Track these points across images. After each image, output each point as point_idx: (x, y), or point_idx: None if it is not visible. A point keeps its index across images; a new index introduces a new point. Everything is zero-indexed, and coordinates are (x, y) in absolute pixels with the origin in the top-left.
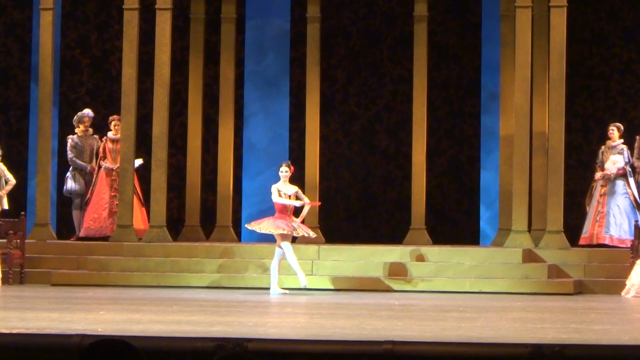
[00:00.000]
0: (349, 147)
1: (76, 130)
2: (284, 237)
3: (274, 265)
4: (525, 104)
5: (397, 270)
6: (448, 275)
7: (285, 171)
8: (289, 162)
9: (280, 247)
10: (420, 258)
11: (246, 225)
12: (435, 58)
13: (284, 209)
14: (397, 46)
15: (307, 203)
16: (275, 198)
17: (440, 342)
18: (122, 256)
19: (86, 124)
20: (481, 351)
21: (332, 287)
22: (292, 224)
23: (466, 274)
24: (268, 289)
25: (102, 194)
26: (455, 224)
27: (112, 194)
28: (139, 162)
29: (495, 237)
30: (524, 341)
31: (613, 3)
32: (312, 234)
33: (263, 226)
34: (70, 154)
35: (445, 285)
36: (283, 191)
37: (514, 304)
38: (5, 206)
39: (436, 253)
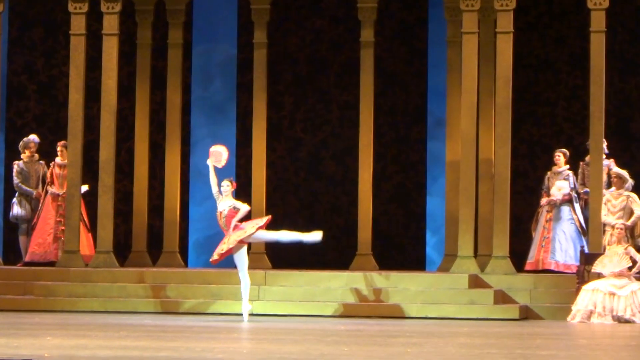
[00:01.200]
0: (296, 174)
1: (22, 156)
2: (238, 252)
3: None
4: (471, 130)
5: (343, 296)
6: (394, 300)
7: (226, 185)
8: (232, 177)
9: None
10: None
11: (211, 261)
12: (381, 84)
13: (220, 226)
14: (343, 72)
15: (245, 210)
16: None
17: None
18: (69, 282)
19: (32, 150)
20: None
21: (278, 313)
22: (236, 232)
23: (412, 299)
24: (215, 314)
25: (47, 219)
26: (402, 249)
27: (58, 219)
28: (84, 188)
29: (441, 263)
30: None
31: (559, 29)
32: (259, 222)
33: (224, 250)
34: (16, 180)
35: (392, 310)
36: (219, 209)
37: (461, 329)
38: None
39: (382, 279)
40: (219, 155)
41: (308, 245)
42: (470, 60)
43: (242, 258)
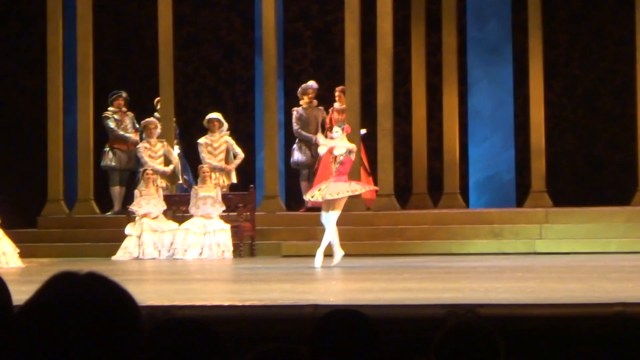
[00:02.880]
0: (574, 111)
1: (301, 102)
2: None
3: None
4: None
5: (626, 232)
6: None
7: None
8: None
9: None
10: None
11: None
12: None
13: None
14: (618, 8)
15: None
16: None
17: None
18: (351, 225)
19: (310, 96)
20: None
21: (561, 251)
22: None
23: None
24: (499, 254)
25: (328, 165)
26: None
27: None
28: (362, 131)
29: None
30: None
31: None
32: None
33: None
34: (295, 126)
35: None
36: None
37: None
38: (234, 180)
39: None
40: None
41: (587, 182)
42: None
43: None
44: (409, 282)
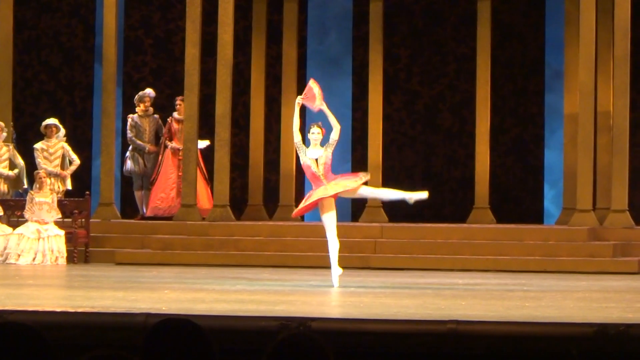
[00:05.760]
0: (413, 126)
1: (137, 109)
2: (323, 207)
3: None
4: (589, 82)
5: (461, 250)
6: (512, 254)
7: (317, 133)
8: (320, 122)
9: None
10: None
11: (293, 215)
12: (498, 36)
13: (314, 176)
14: (460, 25)
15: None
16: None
17: (505, 321)
18: (186, 235)
19: (147, 104)
20: (545, 331)
21: (395, 266)
22: (330, 184)
23: (530, 252)
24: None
25: (169, 174)
26: (519, 203)
27: (180, 173)
28: (205, 143)
29: (559, 216)
30: (589, 320)
31: None
32: (363, 177)
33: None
34: (129, 134)
35: (509, 264)
36: (309, 157)
37: (579, 283)
38: (69, 186)
39: (500, 232)
40: (312, 96)
41: (422, 200)
42: (587, 12)
43: (333, 217)
44: (242, 294)
